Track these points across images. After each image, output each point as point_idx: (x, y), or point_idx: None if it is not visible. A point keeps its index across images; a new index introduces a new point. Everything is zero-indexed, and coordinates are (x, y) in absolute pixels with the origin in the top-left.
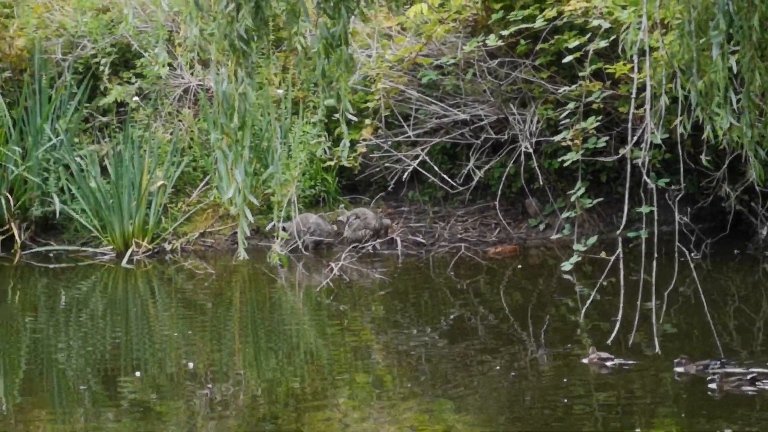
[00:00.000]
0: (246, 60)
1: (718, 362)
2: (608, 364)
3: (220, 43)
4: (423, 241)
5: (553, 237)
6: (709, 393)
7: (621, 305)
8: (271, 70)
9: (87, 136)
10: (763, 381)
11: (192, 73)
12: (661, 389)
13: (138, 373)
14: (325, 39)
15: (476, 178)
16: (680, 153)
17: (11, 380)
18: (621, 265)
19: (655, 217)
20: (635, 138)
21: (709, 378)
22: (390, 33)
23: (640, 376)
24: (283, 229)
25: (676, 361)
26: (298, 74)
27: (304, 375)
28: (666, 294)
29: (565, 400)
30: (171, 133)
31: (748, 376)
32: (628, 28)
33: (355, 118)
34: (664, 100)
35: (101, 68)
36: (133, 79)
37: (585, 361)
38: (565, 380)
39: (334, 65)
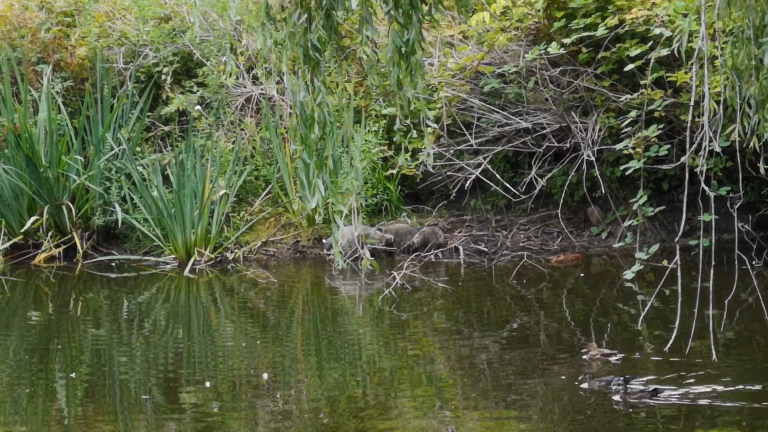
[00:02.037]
0: (319, 69)
1: (621, 378)
2: (612, 359)
3: (294, 52)
4: (485, 249)
5: (616, 245)
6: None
7: (678, 313)
8: (343, 78)
9: (149, 145)
10: (664, 393)
11: (254, 83)
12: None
13: (208, 383)
14: (397, 47)
15: (538, 187)
16: (738, 161)
17: (73, 389)
18: (679, 273)
19: (713, 226)
20: (693, 146)
21: (613, 391)
22: (452, 41)
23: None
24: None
25: (581, 377)
26: (372, 82)
27: (366, 384)
28: (726, 302)
29: (630, 410)
30: (233, 142)
31: (650, 389)
32: (682, 34)
33: (435, 126)
34: (715, 108)
35: (163, 77)
36: (195, 88)
37: (586, 357)
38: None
39: (406, 73)
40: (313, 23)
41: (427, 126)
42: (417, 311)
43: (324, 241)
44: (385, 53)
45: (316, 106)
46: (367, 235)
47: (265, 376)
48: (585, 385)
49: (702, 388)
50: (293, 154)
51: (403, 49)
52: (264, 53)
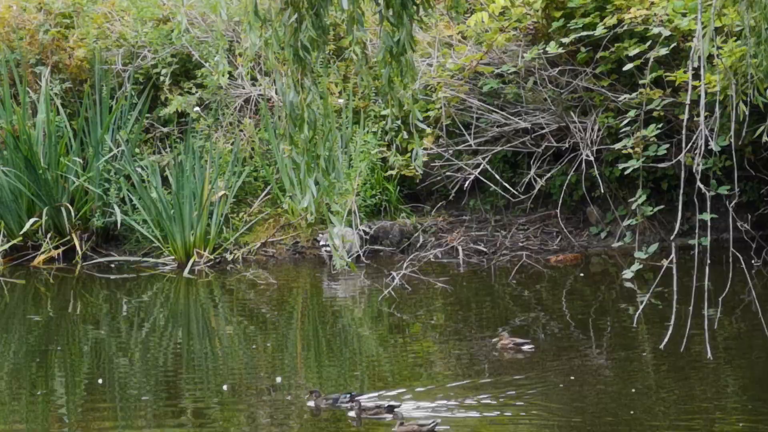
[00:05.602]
0: (308, 69)
1: (348, 395)
2: (525, 348)
3: (284, 52)
4: (484, 249)
5: (615, 245)
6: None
7: (674, 311)
8: (331, 79)
9: (148, 146)
10: (399, 408)
11: (253, 84)
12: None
13: (225, 387)
14: (388, 47)
15: (537, 187)
16: (734, 160)
17: (73, 391)
18: (674, 272)
19: (708, 225)
20: (689, 144)
21: (348, 407)
22: (451, 42)
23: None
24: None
25: (306, 396)
26: (360, 82)
27: (365, 383)
28: (721, 300)
29: (632, 412)
30: (232, 143)
31: (386, 405)
32: (689, 37)
33: (426, 127)
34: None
35: (162, 78)
36: (194, 90)
37: (498, 346)
38: (632, 390)
39: (397, 72)
40: (304, 23)
41: (417, 127)
42: (416, 311)
43: (320, 235)
44: (377, 53)
45: (306, 106)
46: (344, 236)
47: (279, 379)
48: (311, 404)
49: (451, 402)
50: (283, 154)
51: (394, 50)
52: (251, 53)
